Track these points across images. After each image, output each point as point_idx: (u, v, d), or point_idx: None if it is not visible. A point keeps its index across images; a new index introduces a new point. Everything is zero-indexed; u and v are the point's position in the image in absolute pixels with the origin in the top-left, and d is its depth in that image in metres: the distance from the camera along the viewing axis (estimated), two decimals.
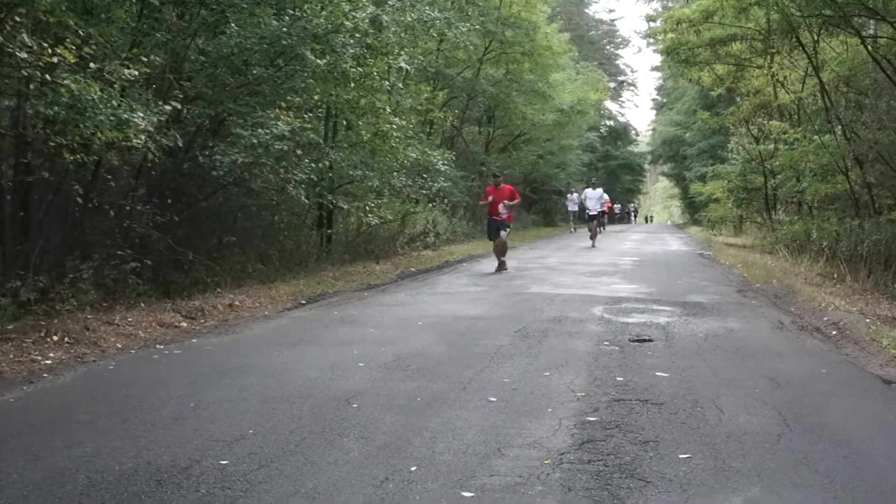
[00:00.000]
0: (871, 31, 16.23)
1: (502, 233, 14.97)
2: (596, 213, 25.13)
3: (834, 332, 8.35)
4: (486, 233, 16.66)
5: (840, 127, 16.15)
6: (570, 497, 3.67)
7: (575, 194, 33.34)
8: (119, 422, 4.82)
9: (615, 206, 56.33)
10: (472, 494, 3.68)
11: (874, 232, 13.66)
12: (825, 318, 9.13)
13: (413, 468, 4.01)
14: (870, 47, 15.11)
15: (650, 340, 7.72)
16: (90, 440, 4.44)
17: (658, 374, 6.25)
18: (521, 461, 4.13)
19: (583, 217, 29.57)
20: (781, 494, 3.74)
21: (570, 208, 34.13)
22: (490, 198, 15.20)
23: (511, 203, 15.24)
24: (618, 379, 6.06)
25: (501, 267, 14.99)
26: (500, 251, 15.16)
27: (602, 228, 30.25)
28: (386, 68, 14.17)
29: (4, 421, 4.91)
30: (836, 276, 13.11)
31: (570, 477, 3.92)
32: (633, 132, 68.23)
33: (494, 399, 5.41)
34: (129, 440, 4.44)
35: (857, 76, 16.79)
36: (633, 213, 69.63)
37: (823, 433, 4.74)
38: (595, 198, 25.42)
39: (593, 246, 22.98)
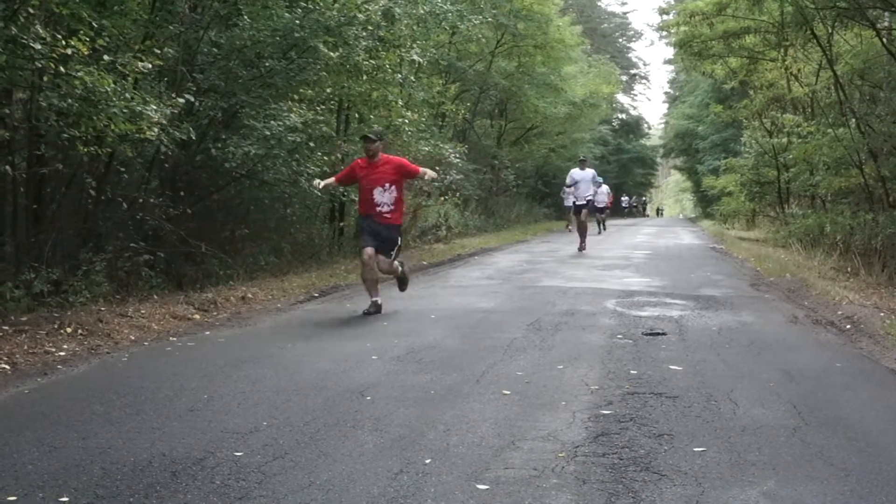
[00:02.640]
0: (886, 24, 16.13)
1: (381, 257, 8.91)
2: (585, 201, 18.38)
3: (848, 326, 8.31)
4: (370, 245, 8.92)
5: (854, 120, 16.03)
6: (585, 490, 3.66)
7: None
8: (133, 413, 4.83)
9: (622, 197, 56.10)
10: (486, 487, 3.67)
11: (889, 226, 13.55)
12: (839, 312, 9.08)
13: (427, 461, 4.00)
14: (885, 40, 15.01)
15: (663, 334, 7.69)
16: (105, 431, 4.44)
17: (672, 367, 6.22)
18: (535, 454, 4.12)
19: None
20: (797, 488, 3.72)
21: (566, 202, 24.81)
22: (360, 178, 9.04)
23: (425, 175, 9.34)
24: (631, 372, 6.04)
25: (373, 308, 8.82)
26: (395, 278, 9.57)
27: (603, 226, 27.47)
28: (398, 61, 14.16)
29: (19, 412, 4.92)
30: (849, 269, 13.04)
31: (584, 470, 3.91)
32: (646, 125, 68.01)
33: (508, 392, 5.40)
34: (144, 432, 4.44)
35: (871, 69, 16.66)
36: (643, 207, 69.34)
37: (839, 427, 4.71)
38: (586, 180, 18.57)
39: (582, 249, 17.75)
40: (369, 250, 8.82)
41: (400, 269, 9.42)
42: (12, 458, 3.99)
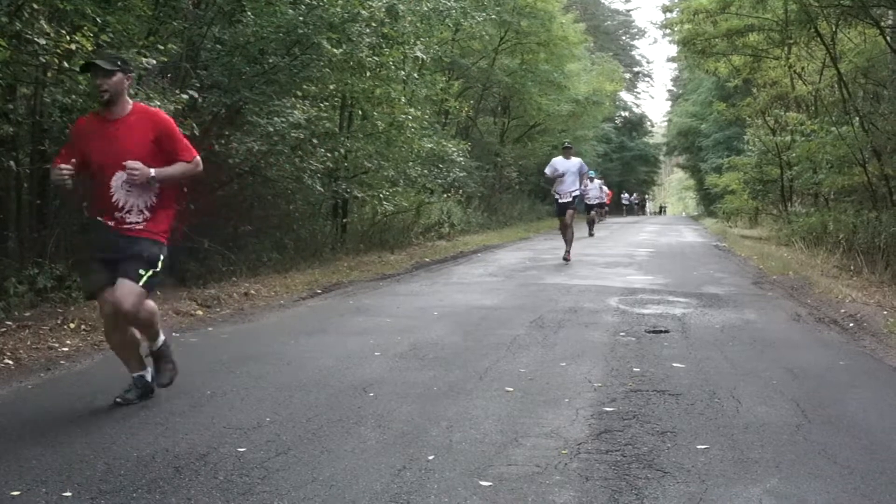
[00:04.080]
0: (890, 22, 16.12)
1: (126, 283, 4.67)
2: (570, 199, 14.80)
3: (851, 325, 8.30)
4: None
5: (858, 118, 16.03)
6: (587, 487, 3.65)
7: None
8: (137, 409, 4.83)
9: (622, 195, 55.93)
10: (489, 483, 3.66)
11: (892, 224, 13.54)
12: (842, 310, 9.07)
13: (430, 457, 4.00)
14: (888, 38, 15.00)
15: (666, 331, 7.68)
16: (108, 427, 4.45)
17: (675, 364, 6.22)
18: (538, 451, 4.12)
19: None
20: (800, 485, 3.71)
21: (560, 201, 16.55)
22: (86, 151, 4.71)
23: (167, 174, 4.78)
24: (634, 369, 6.03)
25: (132, 394, 4.95)
26: (146, 339, 5.13)
27: (592, 229, 24.54)
28: (401, 58, 14.15)
29: (23, 407, 4.93)
30: (852, 268, 13.01)
31: (587, 467, 3.90)
32: (649, 123, 68.17)
33: (511, 389, 5.39)
34: (147, 427, 4.45)
35: (875, 67, 16.68)
36: (642, 204, 69.11)
37: (842, 424, 4.70)
38: (571, 172, 14.76)
39: (567, 259, 14.82)
40: (108, 294, 4.75)
41: (161, 337, 5.23)
42: (16, 453, 4.00)
